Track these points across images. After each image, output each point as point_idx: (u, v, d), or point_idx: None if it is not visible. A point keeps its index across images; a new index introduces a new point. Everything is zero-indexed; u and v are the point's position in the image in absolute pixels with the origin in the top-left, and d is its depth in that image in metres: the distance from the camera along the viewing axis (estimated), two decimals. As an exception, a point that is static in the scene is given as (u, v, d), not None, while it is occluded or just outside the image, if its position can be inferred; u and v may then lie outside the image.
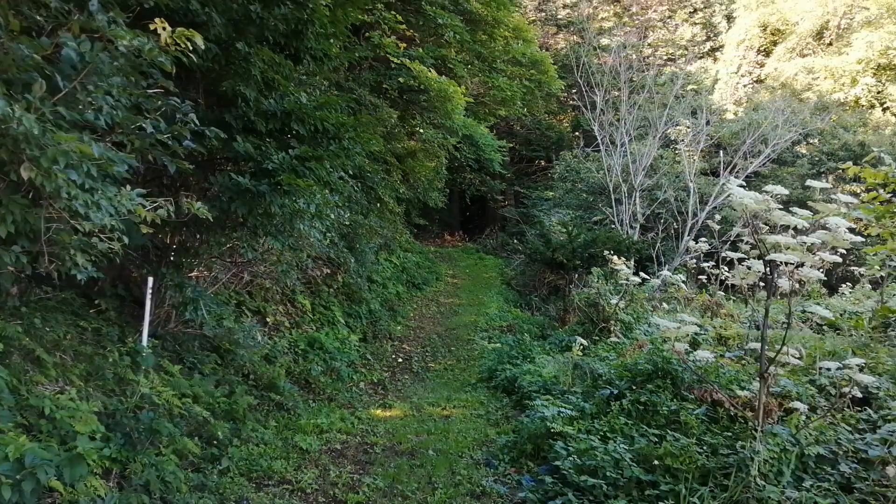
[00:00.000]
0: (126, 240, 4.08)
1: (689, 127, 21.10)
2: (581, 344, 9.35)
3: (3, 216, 3.57)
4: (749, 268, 5.74)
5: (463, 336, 14.41)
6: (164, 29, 4.65)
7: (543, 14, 35.46)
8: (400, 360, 12.24)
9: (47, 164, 3.46)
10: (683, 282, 13.05)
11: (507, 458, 6.82)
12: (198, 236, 7.07)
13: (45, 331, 5.28)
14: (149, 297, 6.21)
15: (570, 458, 5.86)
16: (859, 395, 5.60)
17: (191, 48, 4.78)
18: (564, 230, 16.75)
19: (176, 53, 4.69)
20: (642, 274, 12.67)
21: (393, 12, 15.35)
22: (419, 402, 9.38)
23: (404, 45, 16.10)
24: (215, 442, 5.94)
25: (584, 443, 6.00)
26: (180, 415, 5.75)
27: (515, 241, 25.49)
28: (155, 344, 6.45)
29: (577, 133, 30.40)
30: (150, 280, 6.27)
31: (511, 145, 28.87)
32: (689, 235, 18.88)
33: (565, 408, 7.21)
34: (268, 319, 9.76)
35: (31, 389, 4.65)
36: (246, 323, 8.66)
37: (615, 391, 7.18)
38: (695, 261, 15.85)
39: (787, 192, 5.28)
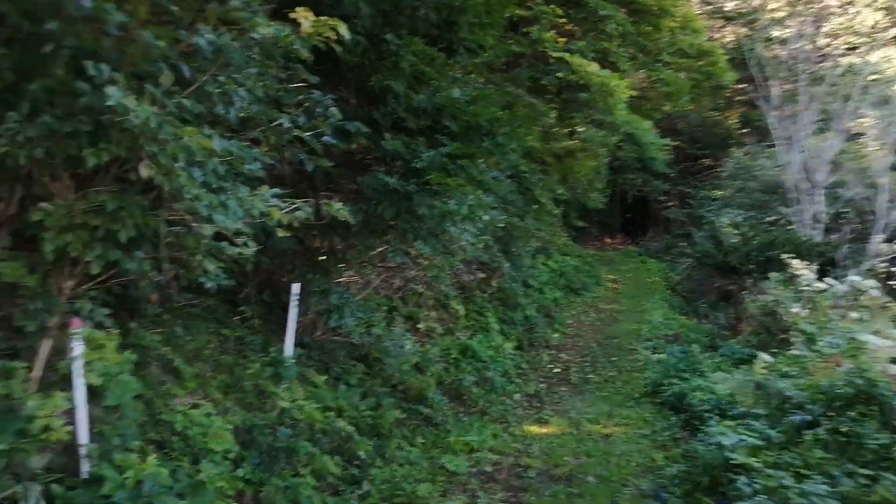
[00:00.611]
0: (251, 246, 3.69)
1: (876, 119, 19.06)
2: (764, 360, 8.29)
3: (123, 219, 3.28)
4: None
5: (624, 345, 13.43)
6: (305, 18, 4.31)
7: (710, 7, 33.44)
8: (557, 370, 11.51)
9: (166, 161, 3.12)
10: (874, 288, 11.66)
11: (680, 492, 5.99)
12: (345, 240, 6.77)
13: (185, 339, 5.07)
14: (293, 304, 5.95)
15: (757, 499, 4.97)
16: None
17: (335, 38, 4.41)
18: (737, 231, 15.50)
19: (318, 42, 4.31)
20: (827, 279, 11.38)
21: (552, 6, 14.70)
22: (577, 417, 8.66)
23: (564, 39, 15.38)
24: (356, 462, 5.53)
25: (772, 480, 5.07)
26: (322, 430, 5.40)
27: (682, 243, 24.19)
28: (300, 353, 6.18)
29: (745, 130, 28.46)
30: (295, 286, 6.00)
31: (675, 143, 27.37)
32: (879, 236, 16.97)
33: (747, 435, 6.26)
34: (419, 326, 9.39)
35: (167, 402, 4.42)
36: (396, 330, 8.30)
37: (808, 417, 6.15)
38: (886, 264, 14.25)
39: None
